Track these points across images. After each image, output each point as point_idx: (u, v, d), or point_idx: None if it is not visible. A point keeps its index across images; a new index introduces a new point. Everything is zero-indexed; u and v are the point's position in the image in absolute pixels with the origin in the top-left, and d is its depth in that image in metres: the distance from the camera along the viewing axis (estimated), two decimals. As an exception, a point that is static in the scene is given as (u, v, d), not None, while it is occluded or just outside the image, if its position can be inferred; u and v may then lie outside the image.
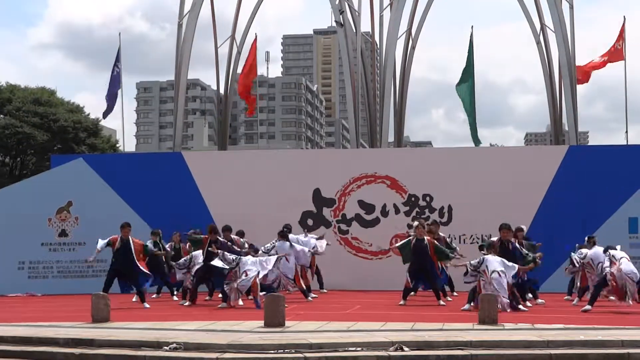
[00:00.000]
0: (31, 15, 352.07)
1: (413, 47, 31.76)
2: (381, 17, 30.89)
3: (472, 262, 17.53)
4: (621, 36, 27.70)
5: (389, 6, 30.46)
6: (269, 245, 20.84)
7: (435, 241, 19.63)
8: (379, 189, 24.70)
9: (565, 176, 23.83)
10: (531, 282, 19.26)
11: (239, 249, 19.58)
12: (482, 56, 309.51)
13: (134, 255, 19.15)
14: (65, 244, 24.91)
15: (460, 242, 23.52)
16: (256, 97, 31.18)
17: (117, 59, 29.74)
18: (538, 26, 30.98)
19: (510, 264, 17.40)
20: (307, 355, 11.38)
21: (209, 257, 19.06)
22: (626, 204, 23.15)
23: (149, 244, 20.43)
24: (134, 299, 20.26)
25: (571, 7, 28.46)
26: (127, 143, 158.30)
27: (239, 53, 32.44)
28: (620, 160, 23.85)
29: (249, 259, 18.75)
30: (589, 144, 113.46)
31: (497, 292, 16.49)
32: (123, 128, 31.25)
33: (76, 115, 57.05)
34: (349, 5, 30.78)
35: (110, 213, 23.56)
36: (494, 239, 18.74)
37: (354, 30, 31.06)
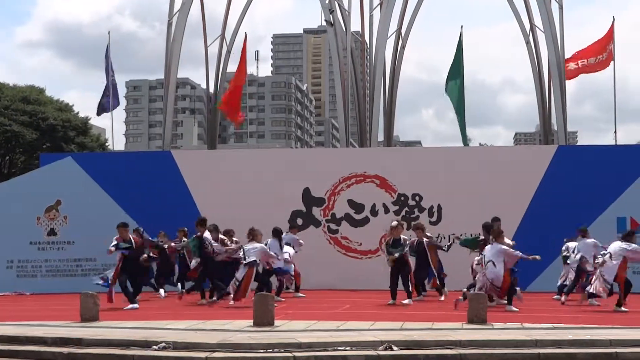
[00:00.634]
0: (19, 13, 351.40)
1: (403, 47, 31.80)
2: (371, 16, 30.90)
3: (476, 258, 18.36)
4: (610, 37, 27.77)
5: (379, 6, 30.49)
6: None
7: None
8: (369, 189, 24.69)
9: (554, 176, 23.87)
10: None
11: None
12: (471, 56, 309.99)
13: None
14: (54, 243, 24.82)
15: (449, 242, 23.53)
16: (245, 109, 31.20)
17: (107, 58, 29.59)
18: (527, 26, 31.07)
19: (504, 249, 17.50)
20: (297, 354, 11.37)
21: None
22: (615, 204, 23.21)
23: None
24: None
25: (560, 7, 28.54)
26: (117, 142, 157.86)
27: (228, 52, 32.42)
28: (609, 160, 23.91)
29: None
30: (577, 143, 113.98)
31: (490, 281, 16.81)
32: (112, 127, 31.15)
33: (65, 113, 56.96)
34: (339, 4, 30.80)
35: (100, 212, 23.52)
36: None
37: (344, 30, 31.08)
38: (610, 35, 27.83)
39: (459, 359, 11.49)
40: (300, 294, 21.39)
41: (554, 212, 23.35)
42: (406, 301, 18.68)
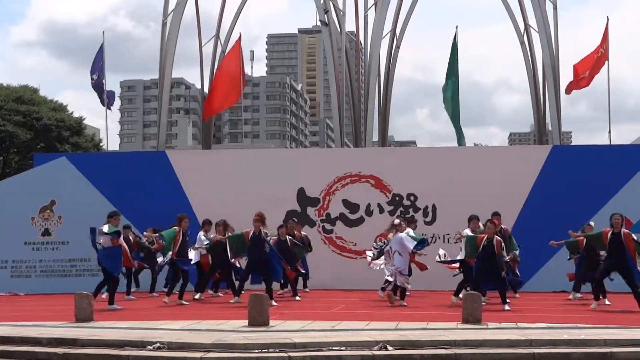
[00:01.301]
0: (14, 12, 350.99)
1: (397, 47, 31.80)
2: (366, 16, 30.90)
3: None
4: (604, 40, 27.78)
5: (374, 6, 30.47)
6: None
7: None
8: (363, 189, 24.71)
9: (548, 176, 23.92)
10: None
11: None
12: (466, 56, 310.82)
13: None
14: (48, 243, 24.79)
15: (444, 242, 23.59)
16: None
17: (101, 58, 29.48)
18: (522, 26, 31.08)
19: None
20: (292, 354, 11.37)
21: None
22: (609, 204, 23.21)
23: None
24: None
25: (555, 8, 28.56)
26: (111, 142, 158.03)
27: (223, 52, 32.37)
28: (603, 160, 23.96)
29: None
30: (572, 143, 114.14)
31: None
32: (107, 127, 31.09)
33: (59, 113, 56.87)
34: (333, 4, 30.78)
35: (94, 212, 23.37)
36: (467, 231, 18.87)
37: (339, 30, 31.05)
38: (604, 38, 27.84)
39: (454, 359, 11.50)
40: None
41: (548, 212, 23.39)
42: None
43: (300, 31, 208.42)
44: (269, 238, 19.18)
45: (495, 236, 17.90)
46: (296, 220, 23.70)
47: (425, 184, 24.40)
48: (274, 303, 17.99)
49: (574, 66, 27.89)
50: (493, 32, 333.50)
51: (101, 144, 62.08)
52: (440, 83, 30.79)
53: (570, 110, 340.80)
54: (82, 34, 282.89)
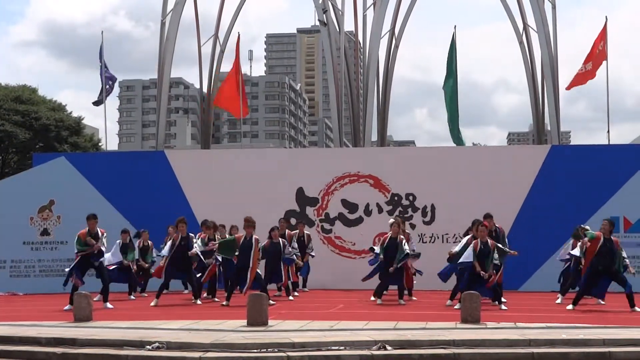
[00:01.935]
0: (13, 12, 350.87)
1: (396, 47, 31.78)
2: (364, 16, 30.92)
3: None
4: (603, 37, 27.78)
5: (372, 5, 30.48)
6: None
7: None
8: (362, 188, 24.72)
9: (547, 175, 23.94)
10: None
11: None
12: (465, 56, 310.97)
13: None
14: (47, 243, 24.79)
15: (443, 242, 23.60)
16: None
17: (101, 59, 29.47)
18: (521, 26, 31.07)
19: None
20: (290, 354, 11.37)
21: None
22: (608, 203, 23.25)
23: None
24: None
25: (554, 7, 28.57)
26: (110, 142, 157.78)
27: (222, 52, 32.37)
28: (602, 160, 23.96)
29: None
30: (571, 143, 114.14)
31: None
32: (105, 126, 31.07)
33: (58, 113, 56.79)
34: (332, 4, 30.78)
35: (93, 212, 23.40)
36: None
37: (337, 30, 31.06)
38: (602, 36, 27.84)
39: (453, 359, 11.51)
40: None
41: (547, 212, 23.40)
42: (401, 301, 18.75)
43: (299, 31, 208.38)
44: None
45: (489, 239, 17.81)
46: (296, 221, 23.73)
47: (424, 184, 24.41)
48: (271, 302, 18.02)
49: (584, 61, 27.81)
50: (492, 32, 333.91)
51: (100, 144, 62.05)
52: (439, 82, 30.78)
53: (569, 110, 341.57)
54: (81, 34, 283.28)
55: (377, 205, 24.62)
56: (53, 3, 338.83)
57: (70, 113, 59.65)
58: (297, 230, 22.78)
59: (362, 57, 30.72)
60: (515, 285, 22.43)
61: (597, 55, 27.29)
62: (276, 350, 11.49)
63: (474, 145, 44.53)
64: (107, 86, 29.26)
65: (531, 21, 29.10)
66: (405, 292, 19.66)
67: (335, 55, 30.60)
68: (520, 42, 31.08)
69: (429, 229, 23.85)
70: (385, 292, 19.32)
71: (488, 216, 19.59)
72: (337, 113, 29.96)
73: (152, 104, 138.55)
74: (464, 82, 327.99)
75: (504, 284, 19.10)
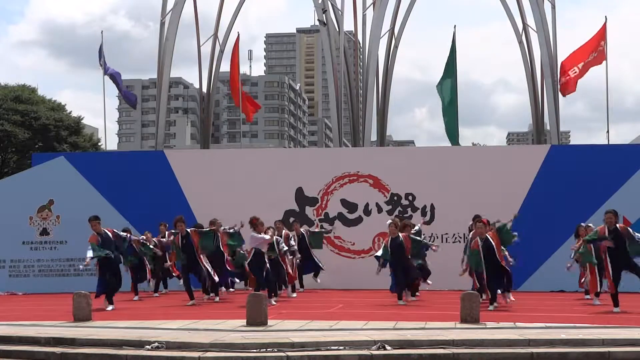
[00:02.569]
0: (12, 12, 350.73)
1: (396, 46, 31.81)
2: (364, 16, 30.95)
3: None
4: (602, 36, 27.79)
5: (372, 5, 30.51)
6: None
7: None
8: (362, 188, 24.72)
9: (547, 175, 23.93)
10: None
11: None
12: (464, 56, 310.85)
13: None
14: (46, 243, 24.80)
15: (442, 241, 23.58)
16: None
17: (101, 58, 29.46)
18: (520, 26, 31.10)
19: None
20: (290, 354, 11.37)
21: None
22: (607, 203, 23.16)
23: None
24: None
25: (553, 7, 28.61)
26: (109, 141, 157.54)
27: (221, 51, 32.40)
28: (602, 160, 23.97)
29: None
30: (570, 143, 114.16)
31: None
32: (105, 126, 31.11)
33: (58, 113, 56.76)
34: (331, 4, 30.81)
35: (92, 212, 23.18)
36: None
37: (337, 29, 31.09)
38: (602, 35, 27.85)
39: (452, 359, 11.50)
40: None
41: (546, 212, 23.40)
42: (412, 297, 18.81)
43: (299, 31, 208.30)
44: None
45: (488, 235, 17.79)
46: (291, 220, 23.76)
47: (423, 184, 24.42)
48: (273, 302, 18.05)
49: (562, 63, 27.80)
50: (491, 32, 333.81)
51: (99, 144, 62.02)
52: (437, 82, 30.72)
53: (568, 110, 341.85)
54: (80, 34, 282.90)
55: (377, 205, 24.62)
56: (53, 3, 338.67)
57: (70, 113, 59.64)
58: (294, 231, 22.76)
59: (361, 56, 30.74)
60: (514, 285, 22.40)
61: (596, 56, 27.28)
62: (275, 350, 11.49)
63: (474, 145, 44.58)
64: (123, 90, 29.61)
65: (531, 21, 29.16)
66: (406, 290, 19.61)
67: (335, 55, 30.63)
68: (520, 42, 31.11)
69: (429, 228, 23.82)
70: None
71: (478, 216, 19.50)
72: (336, 113, 29.99)
73: (151, 103, 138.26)
74: (463, 82, 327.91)
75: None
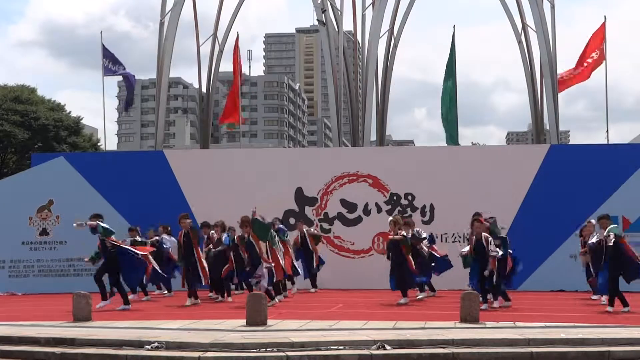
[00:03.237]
0: (12, 12, 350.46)
1: (395, 46, 31.83)
2: (363, 15, 30.94)
3: None
4: (602, 37, 27.82)
5: (371, 5, 30.52)
6: None
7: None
8: (361, 188, 24.71)
9: (546, 175, 23.92)
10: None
11: None
12: (464, 56, 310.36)
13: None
14: (46, 243, 24.78)
15: (441, 241, 23.55)
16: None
17: (106, 58, 29.38)
18: (520, 25, 31.13)
19: None
20: (289, 354, 11.38)
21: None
22: (607, 203, 23.19)
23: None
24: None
25: (552, 7, 28.61)
26: (109, 141, 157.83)
27: (220, 51, 32.42)
28: (601, 160, 23.95)
29: None
30: (570, 142, 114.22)
31: None
32: (104, 126, 31.14)
33: (57, 113, 56.81)
34: (331, 4, 30.83)
35: (92, 212, 23.21)
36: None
37: (336, 29, 31.10)
38: (601, 35, 27.88)
39: (452, 358, 11.52)
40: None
41: (546, 212, 23.38)
42: (402, 300, 18.66)
43: (298, 31, 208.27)
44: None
45: (483, 234, 17.79)
46: (292, 222, 23.78)
47: (423, 184, 24.40)
48: (277, 300, 18.19)
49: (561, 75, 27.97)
50: (491, 32, 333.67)
51: (99, 144, 62.07)
52: (438, 82, 30.86)
53: (568, 110, 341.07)
54: (80, 34, 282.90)
55: (376, 204, 24.61)
56: (52, 3, 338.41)
57: (69, 113, 59.68)
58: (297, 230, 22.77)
59: (361, 56, 30.73)
60: (514, 285, 22.39)
61: (596, 57, 27.30)
62: (275, 350, 11.51)
63: (473, 144, 44.59)
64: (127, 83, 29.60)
65: (530, 21, 29.16)
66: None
67: (334, 55, 30.64)
68: (519, 42, 31.14)
69: (428, 228, 23.73)
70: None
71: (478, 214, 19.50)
72: (336, 113, 30.00)
73: (151, 103, 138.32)
74: (463, 82, 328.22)
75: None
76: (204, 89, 32.92)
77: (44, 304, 20.00)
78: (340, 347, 11.62)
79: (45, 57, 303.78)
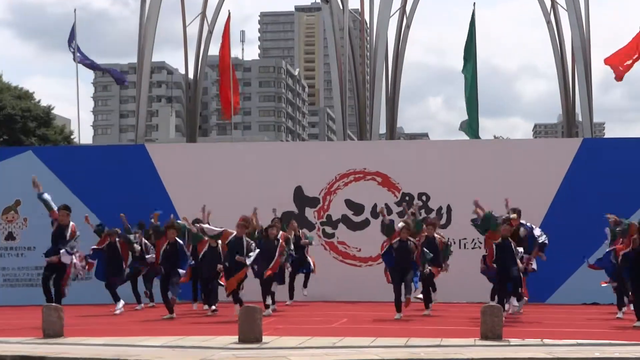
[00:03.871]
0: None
1: (407, 27, 31.81)
2: (372, -9, 30.92)
3: None
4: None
5: (381, -20, 30.48)
6: None
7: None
8: (369, 187, 24.75)
9: (579, 172, 23.94)
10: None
11: None
12: (485, 38, 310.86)
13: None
14: (12, 249, 24.83)
15: (460, 247, 23.58)
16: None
17: (72, 40, 29.42)
18: (549, 4, 31.09)
19: None
20: (287, 374, 11.40)
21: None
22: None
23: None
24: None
25: (586, -18, 28.57)
26: (83, 134, 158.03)
27: (210, 32, 32.40)
28: (640, 155, 23.98)
29: None
30: (605, 136, 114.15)
31: None
32: (78, 117, 31.08)
33: (25, 102, 56.86)
34: (335, -22, 30.79)
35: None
36: None
37: (341, 7, 31.07)
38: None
39: (471, 380, 11.54)
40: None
41: (578, 213, 23.37)
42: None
43: (298, 9, 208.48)
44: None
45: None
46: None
47: (439, 182, 24.43)
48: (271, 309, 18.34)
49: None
50: (516, 11, 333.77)
51: (72, 137, 62.14)
52: (456, 67, 30.87)
53: (602, 99, 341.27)
54: (51, 13, 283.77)
55: (386, 206, 24.60)
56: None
57: (39, 102, 59.80)
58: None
59: (368, 38, 30.74)
60: (542, 297, 22.44)
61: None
62: (271, 370, 11.52)
63: (496, 138, 44.59)
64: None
65: (561, -2, 29.10)
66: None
67: (339, 36, 30.60)
68: (548, 22, 31.09)
69: (445, 233, 23.73)
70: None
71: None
72: (340, 102, 29.97)
73: (131, 91, 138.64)
74: (484, 68, 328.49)
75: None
76: (190, 75, 32.92)
77: (9, 317, 20.02)
78: (345, 367, 11.64)
79: (12, 38, 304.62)
